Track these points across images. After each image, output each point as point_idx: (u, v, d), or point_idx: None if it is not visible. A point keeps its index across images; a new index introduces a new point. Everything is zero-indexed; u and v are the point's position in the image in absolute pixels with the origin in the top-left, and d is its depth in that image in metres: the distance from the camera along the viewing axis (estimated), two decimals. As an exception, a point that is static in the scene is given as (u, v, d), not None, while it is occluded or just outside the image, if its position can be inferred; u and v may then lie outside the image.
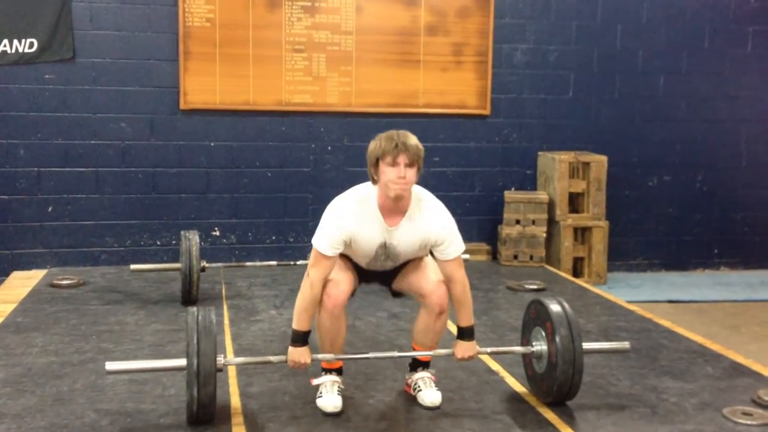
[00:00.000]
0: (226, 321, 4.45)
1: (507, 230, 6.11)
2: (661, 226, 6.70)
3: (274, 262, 5.39)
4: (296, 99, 5.98)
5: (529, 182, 6.43)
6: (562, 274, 5.92)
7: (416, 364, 3.43)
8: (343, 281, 3.16)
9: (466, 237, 6.25)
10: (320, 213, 3.26)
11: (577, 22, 6.30)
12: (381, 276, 3.37)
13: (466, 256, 5.45)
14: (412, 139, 3.07)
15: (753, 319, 5.44)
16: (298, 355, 3.15)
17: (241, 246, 6.03)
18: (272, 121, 6.01)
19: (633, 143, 6.55)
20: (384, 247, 3.16)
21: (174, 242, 5.82)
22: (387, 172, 3.03)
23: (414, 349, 3.40)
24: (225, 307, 4.73)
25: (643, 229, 6.66)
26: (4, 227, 5.68)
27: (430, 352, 3.34)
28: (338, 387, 3.26)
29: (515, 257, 6.12)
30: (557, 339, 3.21)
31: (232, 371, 3.62)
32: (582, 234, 6.19)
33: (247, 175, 6.02)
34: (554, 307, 3.29)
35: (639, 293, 5.90)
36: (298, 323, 3.16)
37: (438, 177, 6.20)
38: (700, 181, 6.71)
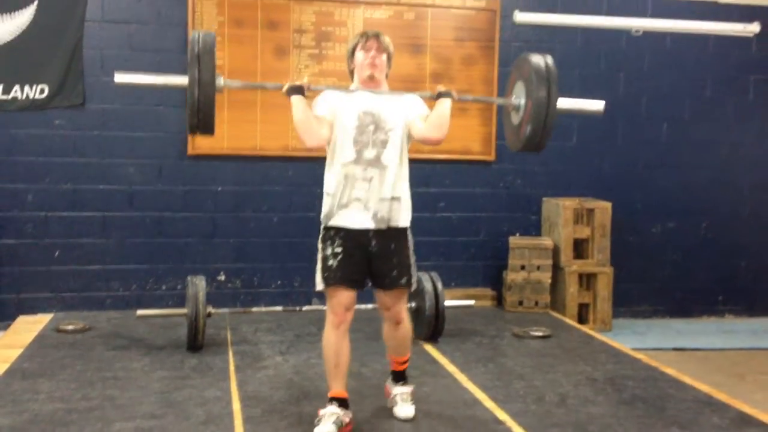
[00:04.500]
0: (232, 367, 4.44)
1: (512, 276, 6.12)
2: (666, 273, 6.70)
3: (279, 308, 5.40)
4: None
5: (533, 228, 6.46)
6: (568, 320, 5.91)
7: (398, 377, 3.73)
8: (345, 300, 3.44)
9: (471, 282, 6.39)
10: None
11: (580, 70, 6.38)
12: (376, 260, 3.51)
13: (471, 302, 5.51)
14: (383, 34, 3.56)
15: (758, 368, 5.42)
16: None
17: (247, 291, 6.04)
18: (278, 166, 6.06)
19: (637, 190, 6.59)
20: (369, 115, 3.41)
21: (179, 287, 5.83)
22: (360, 56, 3.51)
23: (391, 359, 3.77)
24: (230, 353, 4.72)
25: (647, 276, 6.66)
26: (10, 271, 5.70)
27: None
28: (336, 419, 3.38)
29: (520, 303, 6.12)
30: (534, 94, 3.50)
31: (237, 420, 3.61)
32: (587, 280, 6.19)
33: (253, 220, 6.05)
34: (536, 62, 3.57)
35: (644, 340, 5.88)
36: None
37: (443, 222, 6.26)
38: (704, 228, 6.73)
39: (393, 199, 3.44)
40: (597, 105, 3.91)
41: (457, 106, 6.14)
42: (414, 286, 3.62)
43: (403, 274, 3.53)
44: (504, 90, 6.24)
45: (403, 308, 3.64)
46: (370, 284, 3.61)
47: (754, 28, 6.47)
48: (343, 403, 3.47)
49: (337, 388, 3.48)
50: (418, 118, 3.49)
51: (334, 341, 3.44)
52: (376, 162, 3.40)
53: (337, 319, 3.44)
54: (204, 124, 3.35)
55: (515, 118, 3.75)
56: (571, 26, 6.31)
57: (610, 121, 6.49)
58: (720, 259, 6.76)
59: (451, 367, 4.52)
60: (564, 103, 3.69)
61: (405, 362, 3.75)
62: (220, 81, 3.38)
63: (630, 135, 6.57)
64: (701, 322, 6.66)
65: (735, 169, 6.75)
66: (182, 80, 3.37)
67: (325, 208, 3.49)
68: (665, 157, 6.63)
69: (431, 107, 3.59)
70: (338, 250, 3.44)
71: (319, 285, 3.49)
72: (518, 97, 3.70)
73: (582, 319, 6.14)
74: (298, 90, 3.41)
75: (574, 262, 6.14)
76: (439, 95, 3.57)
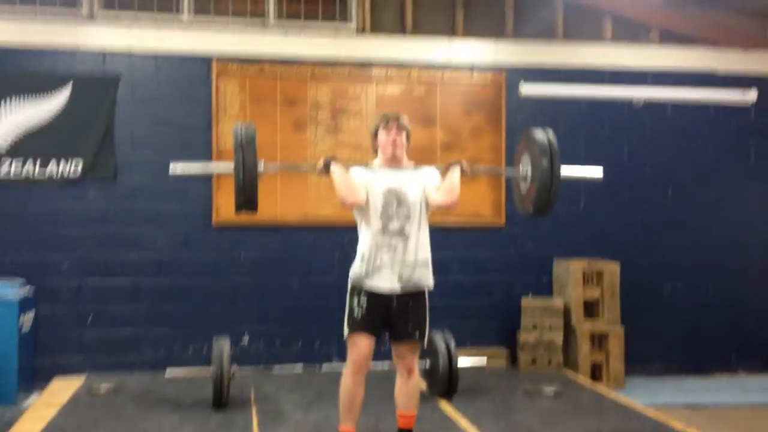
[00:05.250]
0: (255, 424, 4.65)
1: (524, 336, 6.31)
2: (678, 331, 6.84)
3: (300, 366, 5.60)
4: (321, 212, 6.34)
5: (545, 289, 6.67)
6: (581, 378, 6.06)
7: None
8: (364, 347, 3.78)
9: (486, 342, 6.58)
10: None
11: (585, 138, 6.66)
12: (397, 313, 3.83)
13: (483, 360, 5.70)
14: (403, 115, 3.95)
15: (768, 423, 5.53)
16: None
17: (269, 352, 6.28)
18: (298, 234, 6.36)
19: (645, 251, 6.78)
20: (393, 192, 3.79)
21: (205, 348, 6.08)
22: (382, 136, 3.90)
23: (399, 416, 3.97)
24: (254, 411, 4.93)
25: (660, 334, 6.80)
26: (47, 336, 5.99)
27: None
28: None
29: (533, 362, 6.29)
30: (540, 166, 3.90)
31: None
32: (599, 339, 6.35)
33: (275, 285, 6.33)
34: (540, 138, 3.95)
35: (657, 397, 5.98)
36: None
37: (457, 286, 6.48)
38: (713, 287, 6.89)
39: (417, 262, 3.82)
40: (596, 172, 4.33)
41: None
42: (426, 341, 3.94)
43: (417, 329, 3.88)
44: (512, 158, 6.56)
45: (416, 359, 3.94)
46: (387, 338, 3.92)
47: (752, 95, 6.77)
48: None
49: (347, 425, 3.84)
50: (433, 189, 3.89)
51: (351, 386, 3.81)
52: (400, 233, 3.80)
53: (356, 364, 3.79)
54: (248, 202, 3.76)
55: (523, 187, 4.14)
56: (574, 97, 6.65)
57: (616, 186, 6.73)
58: (730, 316, 6.91)
59: (464, 423, 4.70)
60: (567, 171, 4.05)
61: (412, 418, 3.98)
62: (261, 166, 3.81)
63: (636, 199, 6.81)
64: (715, 379, 6.78)
65: (740, 229, 6.95)
66: (228, 167, 3.84)
67: (358, 269, 3.86)
68: (671, 219, 6.85)
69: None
70: (364, 303, 3.82)
71: (346, 331, 3.85)
72: (525, 167, 4.10)
73: (595, 377, 6.29)
74: (333, 159, 3.90)
75: (585, 322, 6.33)
76: (450, 165, 3.98)
